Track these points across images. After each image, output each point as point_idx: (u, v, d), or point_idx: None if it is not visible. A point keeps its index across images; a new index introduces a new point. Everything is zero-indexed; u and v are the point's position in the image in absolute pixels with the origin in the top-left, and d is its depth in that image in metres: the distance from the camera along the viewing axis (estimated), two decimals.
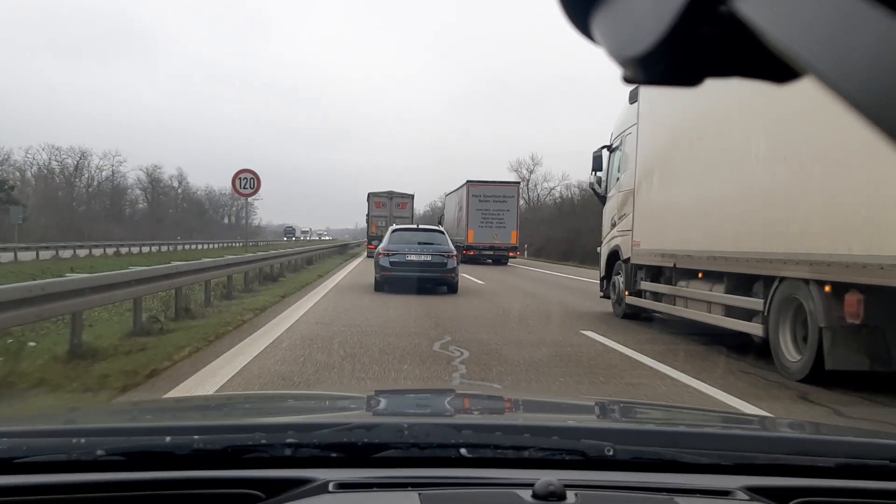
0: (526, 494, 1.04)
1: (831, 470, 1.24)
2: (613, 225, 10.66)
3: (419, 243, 14.05)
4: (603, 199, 11.42)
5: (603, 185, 11.35)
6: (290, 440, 1.20)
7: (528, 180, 62.61)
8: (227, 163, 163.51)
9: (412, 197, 35.67)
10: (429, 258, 13.76)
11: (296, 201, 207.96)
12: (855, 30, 0.28)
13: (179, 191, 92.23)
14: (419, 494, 1.07)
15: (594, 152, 11.37)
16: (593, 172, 11.51)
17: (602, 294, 11.34)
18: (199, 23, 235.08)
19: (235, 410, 2.00)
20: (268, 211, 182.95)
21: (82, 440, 1.17)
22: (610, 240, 10.85)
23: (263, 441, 1.20)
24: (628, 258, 9.88)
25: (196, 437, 1.21)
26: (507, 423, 1.53)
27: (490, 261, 29.19)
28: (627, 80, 0.39)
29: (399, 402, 2.10)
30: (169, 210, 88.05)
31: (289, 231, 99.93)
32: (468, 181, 29.89)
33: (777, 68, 0.34)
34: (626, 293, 9.98)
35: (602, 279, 11.39)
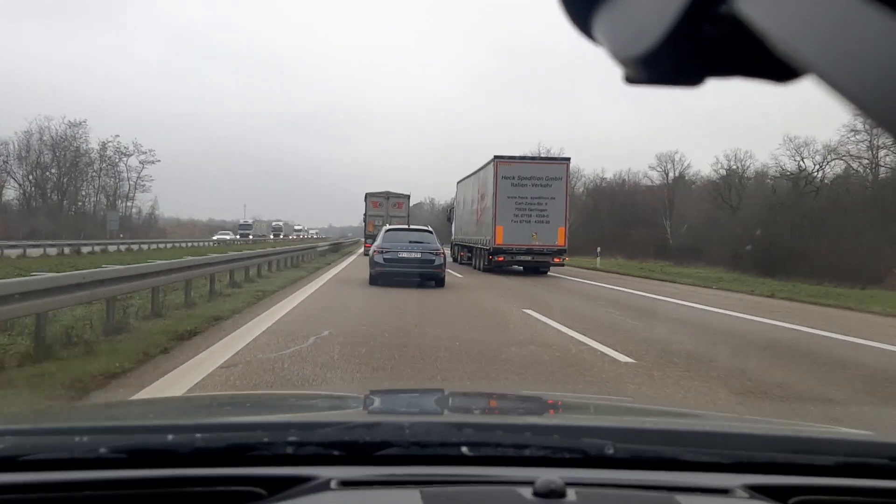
0: (527, 492, 1.05)
1: (831, 468, 1.24)
2: None
3: (410, 242, 15.22)
4: None
5: None
6: (292, 438, 1.20)
7: None
8: (223, 156, 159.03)
9: (408, 197, 36.63)
10: (419, 255, 14.91)
11: (297, 197, 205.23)
12: (856, 29, 0.28)
13: None
14: (421, 492, 1.08)
15: None
16: None
17: None
18: None
19: (237, 409, 2.01)
20: (264, 207, 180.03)
21: (85, 438, 1.17)
22: None
23: (265, 439, 1.21)
24: None
25: (198, 434, 1.22)
26: (508, 422, 1.53)
27: (521, 268, 21.41)
28: (629, 79, 0.40)
29: (400, 401, 2.10)
30: None
31: None
32: (496, 157, 21.12)
33: (778, 68, 0.34)
34: None
35: None
